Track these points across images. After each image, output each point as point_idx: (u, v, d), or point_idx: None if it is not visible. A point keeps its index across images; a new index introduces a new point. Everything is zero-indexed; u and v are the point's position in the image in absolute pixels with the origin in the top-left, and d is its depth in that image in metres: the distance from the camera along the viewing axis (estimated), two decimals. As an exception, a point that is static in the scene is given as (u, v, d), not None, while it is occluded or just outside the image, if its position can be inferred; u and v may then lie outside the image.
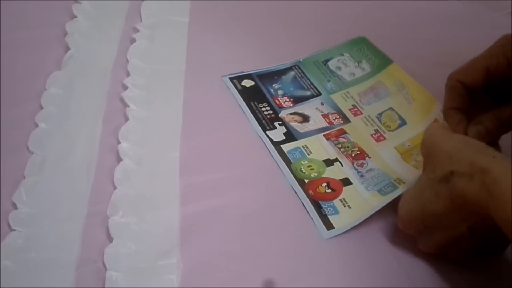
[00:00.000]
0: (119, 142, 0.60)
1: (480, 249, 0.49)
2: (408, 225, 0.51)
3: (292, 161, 0.60)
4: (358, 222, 0.53)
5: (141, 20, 0.78)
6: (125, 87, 0.67)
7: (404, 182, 0.56)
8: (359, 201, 0.56)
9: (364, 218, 0.54)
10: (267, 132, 0.63)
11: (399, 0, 0.86)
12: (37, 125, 0.61)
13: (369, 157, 0.60)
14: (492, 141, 0.53)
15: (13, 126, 0.61)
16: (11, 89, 0.66)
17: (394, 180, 0.57)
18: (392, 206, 0.53)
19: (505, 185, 0.40)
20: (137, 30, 0.75)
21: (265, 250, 0.52)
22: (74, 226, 0.53)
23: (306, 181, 0.58)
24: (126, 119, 0.63)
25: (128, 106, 0.64)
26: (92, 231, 0.52)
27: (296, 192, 0.57)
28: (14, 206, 0.53)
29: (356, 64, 0.71)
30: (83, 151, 0.59)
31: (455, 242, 0.48)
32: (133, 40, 0.74)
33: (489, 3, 0.87)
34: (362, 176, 0.58)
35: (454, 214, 0.46)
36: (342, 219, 0.54)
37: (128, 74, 0.69)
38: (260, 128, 0.63)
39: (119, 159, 0.58)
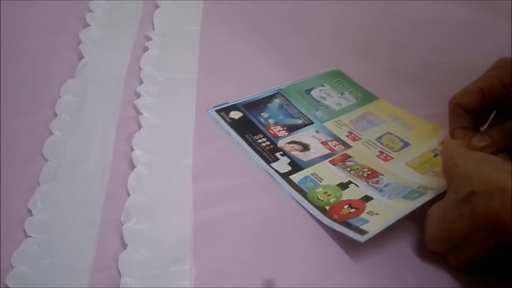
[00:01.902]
0: (132, 149, 0.60)
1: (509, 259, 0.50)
2: (436, 246, 0.51)
3: (306, 190, 0.57)
4: (391, 223, 0.52)
5: (153, 29, 0.78)
6: (138, 95, 0.67)
7: (430, 189, 0.55)
8: (386, 208, 0.54)
9: (397, 219, 0.52)
10: (271, 165, 0.60)
11: (405, 7, 0.86)
12: (51, 133, 0.62)
13: (382, 175, 0.58)
14: (500, 152, 0.53)
15: (28, 133, 0.62)
16: (26, 97, 0.67)
17: (418, 188, 0.56)
18: (419, 221, 0.53)
19: None
20: (149, 39, 0.76)
21: (278, 257, 0.52)
22: (88, 233, 0.53)
23: (327, 207, 0.55)
24: (139, 126, 0.63)
25: (141, 114, 0.64)
26: (106, 238, 0.53)
27: (321, 221, 0.54)
28: (30, 213, 0.54)
29: (339, 95, 0.69)
30: (97, 158, 0.60)
31: (485, 256, 0.48)
32: (145, 48, 0.74)
33: (496, 11, 0.87)
34: (381, 190, 0.56)
35: (480, 232, 0.46)
36: (373, 224, 0.52)
37: (141, 82, 0.69)
38: (263, 161, 0.60)
39: (132, 166, 0.59)
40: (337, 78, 0.72)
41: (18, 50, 0.73)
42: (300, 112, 0.67)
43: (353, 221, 0.53)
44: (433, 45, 0.79)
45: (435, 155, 0.60)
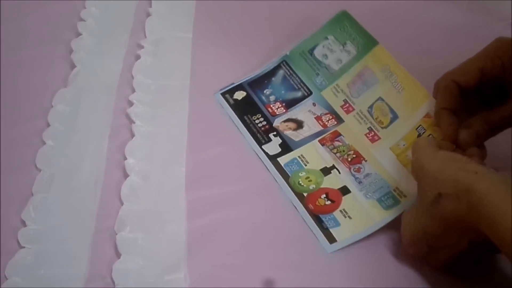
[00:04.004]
0: (125, 158, 0.61)
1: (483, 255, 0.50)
2: (413, 249, 0.51)
3: (289, 174, 0.60)
4: (360, 237, 0.54)
5: (145, 37, 0.78)
6: (130, 103, 0.67)
7: (405, 196, 0.56)
8: (359, 211, 0.56)
9: (367, 233, 0.54)
10: (262, 147, 0.63)
11: (394, 10, 0.86)
12: (44, 143, 0.62)
13: (366, 161, 0.60)
14: (481, 143, 0.54)
15: (20, 143, 0.62)
16: (18, 107, 0.67)
17: (394, 190, 0.57)
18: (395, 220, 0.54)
19: (491, 204, 0.41)
20: (141, 47, 0.76)
21: (272, 264, 0.52)
22: (82, 242, 0.53)
23: (305, 194, 0.58)
24: (132, 135, 0.63)
25: (134, 122, 0.65)
26: (100, 247, 0.53)
27: (296, 208, 0.57)
28: (23, 223, 0.54)
29: (341, 47, 0.69)
30: (90, 167, 0.60)
31: (461, 256, 0.48)
32: (137, 57, 0.74)
33: (489, 14, 0.87)
34: (360, 182, 0.59)
35: (452, 233, 0.46)
36: (343, 231, 0.55)
37: (133, 90, 0.69)
38: (255, 142, 0.63)
39: (125, 175, 0.59)
40: (343, 22, 0.71)
41: (10, 59, 0.73)
42: (301, 81, 0.69)
43: (325, 219, 0.56)
44: (422, 48, 0.80)
45: (419, 135, 0.60)
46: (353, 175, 0.59)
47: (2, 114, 0.65)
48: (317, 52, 0.70)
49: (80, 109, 0.67)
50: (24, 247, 0.52)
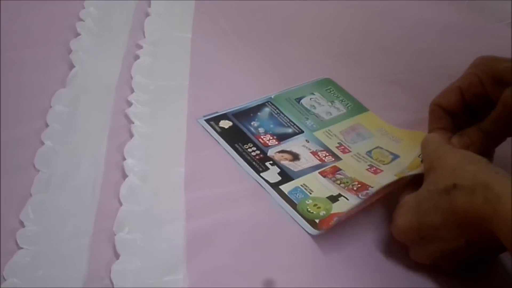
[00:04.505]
0: (124, 159, 0.60)
1: (473, 260, 0.50)
2: (403, 235, 0.51)
3: (295, 202, 0.57)
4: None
5: (144, 37, 0.78)
6: (129, 104, 0.67)
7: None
8: None
9: (375, 189, 0.54)
10: (261, 174, 0.60)
11: (393, 11, 0.86)
12: (42, 143, 0.62)
13: (372, 187, 0.58)
14: (478, 152, 0.53)
15: (19, 144, 0.62)
16: (17, 107, 0.66)
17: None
18: (387, 219, 0.54)
19: (509, 202, 0.41)
20: (140, 47, 0.76)
21: (271, 265, 0.52)
22: (80, 243, 0.53)
23: (317, 220, 0.55)
24: (131, 135, 0.63)
25: (133, 123, 0.64)
26: (98, 248, 0.52)
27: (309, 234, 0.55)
28: (22, 224, 0.54)
29: (330, 104, 0.69)
30: (88, 168, 0.60)
31: (451, 254, 0.48)
32: (136, 57, 0.74)
33: (489, 13, 0.87)
34: None
35: (453, 227, 0.46)
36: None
37: (132, 91, 0.69)
38: (253, 171, 0.60)
39: (124, 176, 0.59)
40: (327, 86, 0.72)
41: (9, 60, 0.72)
42: (290, 120, 0.67)
43: None
44: (422, 49, 0.80)
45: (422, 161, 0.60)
46: (362, 199, 0.56)
47: (0, 115, 0.65)
48: (305, 102, 0.70)
49: (79, 110, 0.66)
50: (22, 248, 0.52)
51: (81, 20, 0.79)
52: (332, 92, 0.71)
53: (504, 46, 0.76)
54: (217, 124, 0.66)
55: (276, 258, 0.53)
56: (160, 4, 0.84)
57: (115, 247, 0.52)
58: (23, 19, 0.80)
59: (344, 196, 0.57)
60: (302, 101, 0.69)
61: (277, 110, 0.68)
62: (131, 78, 0.71)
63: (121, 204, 0.56)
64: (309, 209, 0.56)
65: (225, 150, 0.63)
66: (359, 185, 0.59)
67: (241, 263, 0.52)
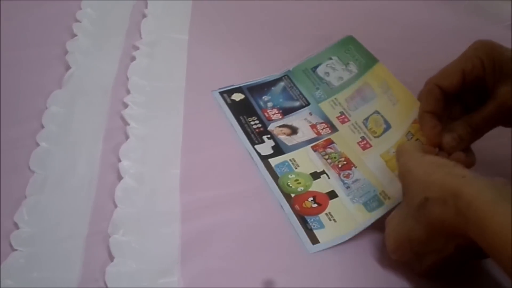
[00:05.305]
0: (119, 160, 0.60)
1: (471, 260, 0.50)
2: (398, 254, 0.50)
3: (279, 175, 0.60)
4: (344, 240, 0.54)
5: (141, 38, 0.78)
6: (125, 105, 0.67)
7: (389, 198, 0.56)
8: (345, 214, 0.56)
9: (350, 236, 0.54)
10: (255, 146, 0.63)
11: (392, 13, 0.86)
12: (38, 144, 0.62)
13: (355, 167, 0.61)
14: (465, 147, 0.54)
15: (14, 145, 0.62)
16: (12, 108, 0.66)
17: (380, 193, 0.57)
18: (378, 223, 0.54)
19: (479, 209, 0.41)
20: (137, 48, 0.76)
21: (266, 267, 0.52)
22: (75, 245, 0.53)
23: (293, 195, 0.58)
24: (127, 137, 0.63)
25: (129, 124, 0.64)
26: (93, 250, 0.52)
27: (282, 207, 0.57)
28: (16, 226, 0.53)
29: (344, 66, 0.71)
30: (84, 169, 0.60)
31: (447, 262, 0.48)
32: (133, 58, 0.74)
33: (487, 15, 0.87)
34: (348, 187, 0.59)
35: (438, 237, 0.46)
36: (327, 233, 0.55)
37: (128, 92, 0.69)
38: (248, 142, 0.64)
39: (119, 177, 0.59)
40: (348, 45, 0.73)
41: (4, 60, 0.72)
42: (300, 93, 0.70)
43: (310, 220, 0.56)
44: (420, 51, 0.80)
45: (407, 141, 0.60)
46: (342, 181, 0.59)
47: (-5, 116, 0.65)
48: (320, 70, 0.72)
49: (75, 111, 0.66)
50: (16, 249, 0.52)
51: (77, 21, 0.79)
52: (350, 52, 0.72)
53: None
54: (230, 96, 0.70)
55: (271, 260, 0.53)
56: (157, 6, 0.84)
57: (110, 249, 0.52)
58: (19, 20, 0.80)
59: (326, 174, 0.60)
60: (318, 69, 0.72)
61: (291, 83, 0.72)
62: (128, 79, 0.71)
63: (116, 206, 0.56)
64: (289, 184, 0.59)
65: (229, 121, 0.67)
66: (345, 162, 0.61)
67: (236, 265, 0.52)
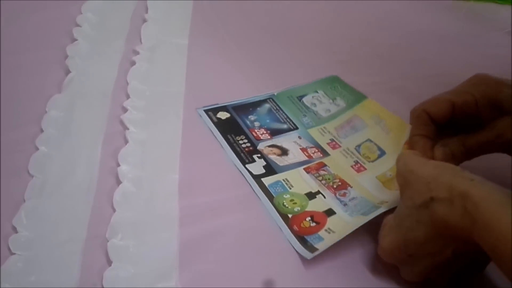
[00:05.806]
0: (118, 165, 0.60)
1: (464, 269, 0.49)
2: (391, 256, 0.50)
3: (274, 195, 0.59)
4: (339, 239, 0.53)
5: (141, 43, 0.78)
6: (125, 110, 0.67)
7: (386, 202, 0.56)
8: (343, 226, 0.55)
9: (345, 234, 0.53)
10: (246, 166, 0.62)
11: (392, 19, 0.86)
12: (37, 148, 0.62)
13: (351, 187, 0.60)
14: (456, 164, 0.53)
15: (13, 149, 0.62)
16: (12, 112, 0.66)
17: (378, 203, 0.57)
18: (373, 234, 0.54)
19: (487, 210, 0.41)
20: (137, 53, 0.76)
21: (264, 272, 0.52)
22: (73, 249, 0.53)
23: (290, 216, 0.57)
24: (126, 141, 0.63)
25: (128, 129, 0.64)
26: (91, 254, 0.52)
27: (280, 228, 0.55)
28: (14, 230, 0.53)
29: (331, 101, 0.71)
30: (83, 174, 0.60)
31: (441, 267, 0.48)
32: (133, 63, 0.74)
33: (487, 22, 0.87)
34: (345, 205, 0.58)
35: (437, 240, 0.46)
36: (326, 243, 0.54)
37: (128, 97, 0.69)
38: (239, 161, 0.62)
39: (118, 182, 0.59)
40: (333, 83, 0.73)
41: (4, 64, 0.72)
42: (287, 117, 0.69)
43: (309, 238, 0.54)
44: (420, 57, 0.80)
45: None
46: (339, 199, 0.58)
47: (-5, 120, 0.65)
48: (306, 100, 0.71)
49: (74, 115, 0.66)
50: (15, 253, 0.52)
51: (78, 25, 0.79)
52: (336, 89, 0.72)
53: (503, 55, 0.76)
54: (215, 114, 0.68)
55: (268, 264, 0.53)
56: (157, 10, 0.84)
57: (108, 253, 0.52)
58: (20, 24, 0.80)
59: (322, 194, 0.59)
60: (304, 99, 0.71)
61: (276, 106, 0.70)
62: (127, 84, 0.71)
63: (114, 210, 0.56)
64: (285, 204, 0.58)
65: (217, 140, 0.65)
66: (340, 183, 0.60)
67: (233, 270, 0.52)
